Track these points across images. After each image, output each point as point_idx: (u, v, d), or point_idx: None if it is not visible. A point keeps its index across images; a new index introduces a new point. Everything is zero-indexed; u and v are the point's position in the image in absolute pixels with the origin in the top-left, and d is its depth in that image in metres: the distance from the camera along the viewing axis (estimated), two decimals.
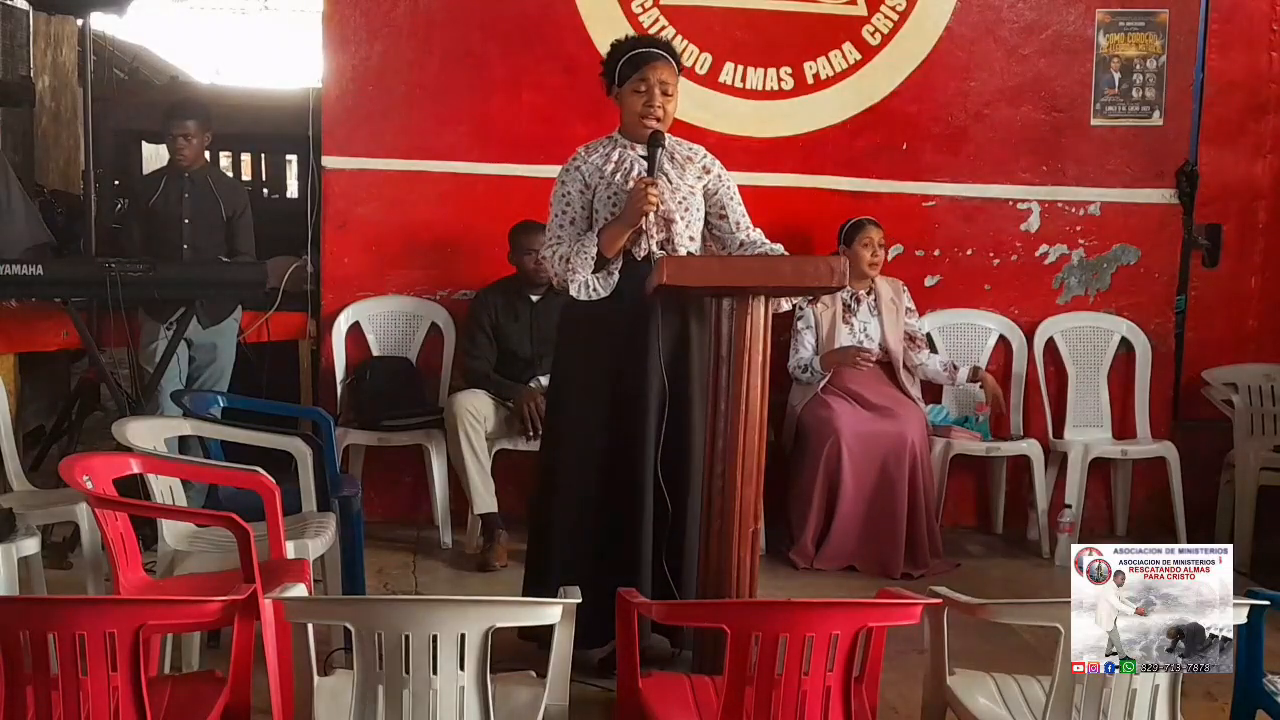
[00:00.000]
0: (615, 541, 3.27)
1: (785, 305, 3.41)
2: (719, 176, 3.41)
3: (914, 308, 4.80)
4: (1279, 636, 2.57)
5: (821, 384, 4.60)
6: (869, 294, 4.73)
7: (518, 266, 4.63)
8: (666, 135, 3.33)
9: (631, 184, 3.26)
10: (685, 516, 3.26)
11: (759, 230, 3.43)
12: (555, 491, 3.38)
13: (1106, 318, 5.06)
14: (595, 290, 3.27)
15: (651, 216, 3.24)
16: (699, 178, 3.38)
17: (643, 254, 3.27)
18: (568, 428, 3.40)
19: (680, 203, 3.32)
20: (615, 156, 3.35)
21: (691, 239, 3.35)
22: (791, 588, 4.20)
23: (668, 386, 3.23)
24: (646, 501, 3.24)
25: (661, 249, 3.28)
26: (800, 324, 4.68)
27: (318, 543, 3.27)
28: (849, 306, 4.70)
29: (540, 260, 4.52)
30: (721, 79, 4.91)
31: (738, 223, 3.40)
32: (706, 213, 3.41)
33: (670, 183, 3.31)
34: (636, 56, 3.31)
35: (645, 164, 3.29)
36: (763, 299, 3.05)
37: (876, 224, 4.70)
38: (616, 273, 3.28)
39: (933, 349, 4.92)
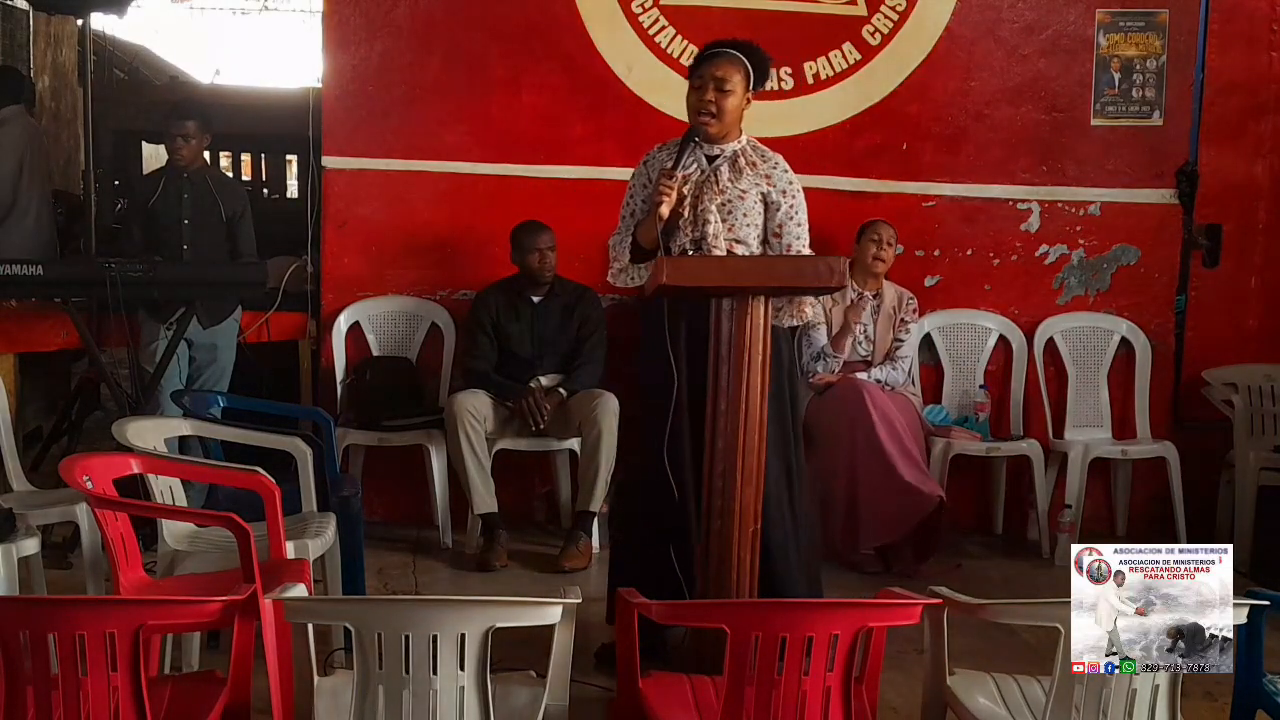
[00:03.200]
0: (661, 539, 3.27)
1: (809, 313, 3.43)
2: (784, 192, 3.39)
3: (909, 320, 4.76)
4: (1279, 636, 2.57)
5: (837, 368, 4.61)
6: (875, 296, 4.74)
7: (520, 266, 4.63)
8: (744, 138, 3.42)
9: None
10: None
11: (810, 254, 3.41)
12: (625, 493, 3.57)
13: (1106, 318, 5.06)
14: (632, 278, 3.40)
15: (685, 213, 3.29)
16: (756, 185, 3.37)
17: (678, 249, 3.32)
18: (637, 428, 3.51)
19: (722, 205, 3.33)
20: (680, 153, 3.38)
21: (738, 242, 3.34)
22: None
23: (684, 383, 3.21)
24: (686, 502, 3.23)
25: (696, 247, 3.31)
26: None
27: (318, 543, 3.27)
28: (856, 306, 4.71)
29: (538, 259, 4.56)
30: None
31: (789, 245, 3.38)
32: (766, 223, 3.40)
33: (718, 183, 3.34)
34: (702, 55, 3.37)
35: (702, 163, 3.35)
36: (763, 299, 3.05)
37: (888, 224, 4.71)
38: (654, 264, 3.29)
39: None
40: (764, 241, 3.41)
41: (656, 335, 3.22)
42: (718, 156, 3.39)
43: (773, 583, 3.25)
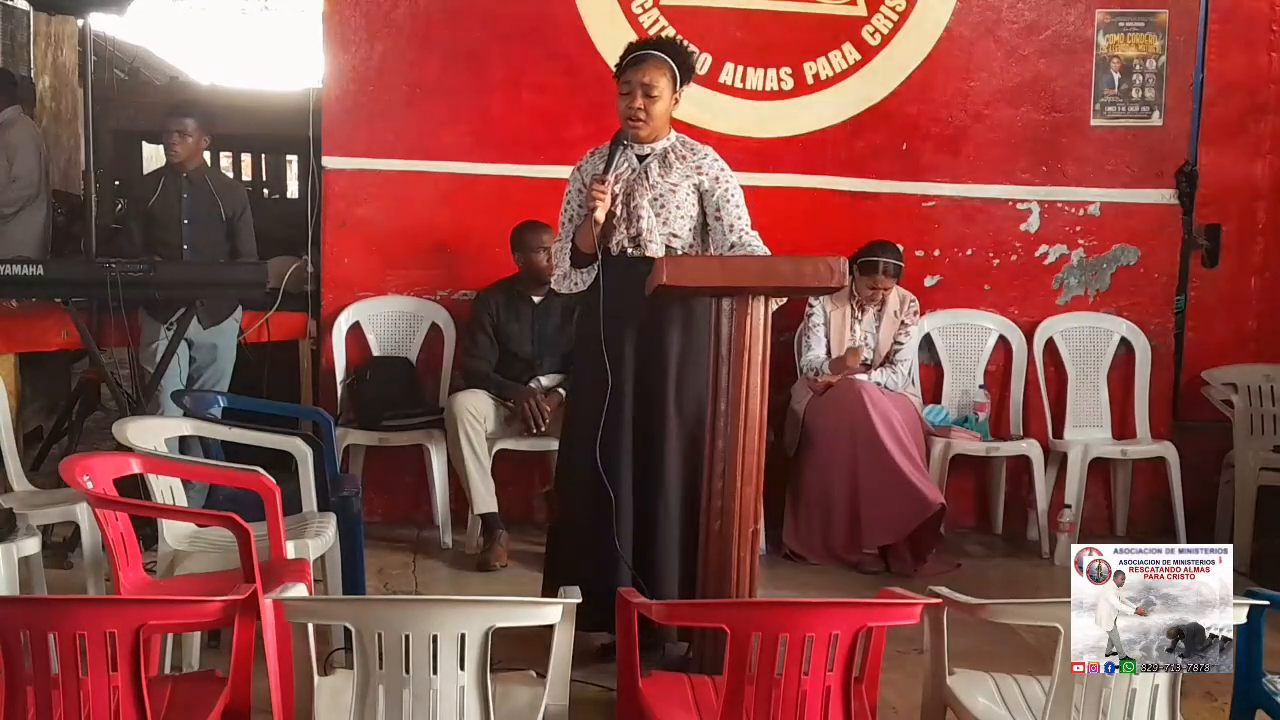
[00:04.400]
0: (605, 534, 3.31)
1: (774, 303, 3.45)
2: (715, 179, 3.43)
3: (909, 323, 4.74)
4: (1279, 636, 2.57)
5: (824, 380, 4.61)
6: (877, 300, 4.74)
7: (522, 265, 4.63)
8: (671, 135, 3.46)
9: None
10: (657, 512, 3.34)
11: (756, 234, 3.43)
12: (563, 489, 3.55)
13: (1106, 318, 5.06)
14: (575, 284, 3.46)
15: (619, 211, 3.36)
16: (686, 177, 3.41)
17: (616, 248, 3.38)
18: (569, 425, 3.55)
19: (654, 200, 3.38)
20: (611, 157, 3.43)
21: (674, 235, 3.40)
22: (791, 587, 4.19)
23: (635, 378, 3.32)
24: (623, 495, 3.31)
25: (634, 244, 3.37)
26: (812, 320, 4.70)
27: (318, 543, 3.27)
28: (856, 310, 4.71)
29: (540, 258, 4.57)
30: (721, 79, 4.91)
31: (731, 225, 3.41)
32: (703, 212, 3.44)
33: (648, 179, 3.40)
34: (627, 60, 3.41)
35: (633, 162, 3.42)
36: (762, 299, 3.05)
37: (891, 261, 4.61)
38: (596, 267, 3.38)
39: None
40: (700, 231, 3.46)
41: (592, 333, 3.31)
42: (648, 155, 3.44)
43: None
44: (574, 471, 3.43)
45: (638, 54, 3.40)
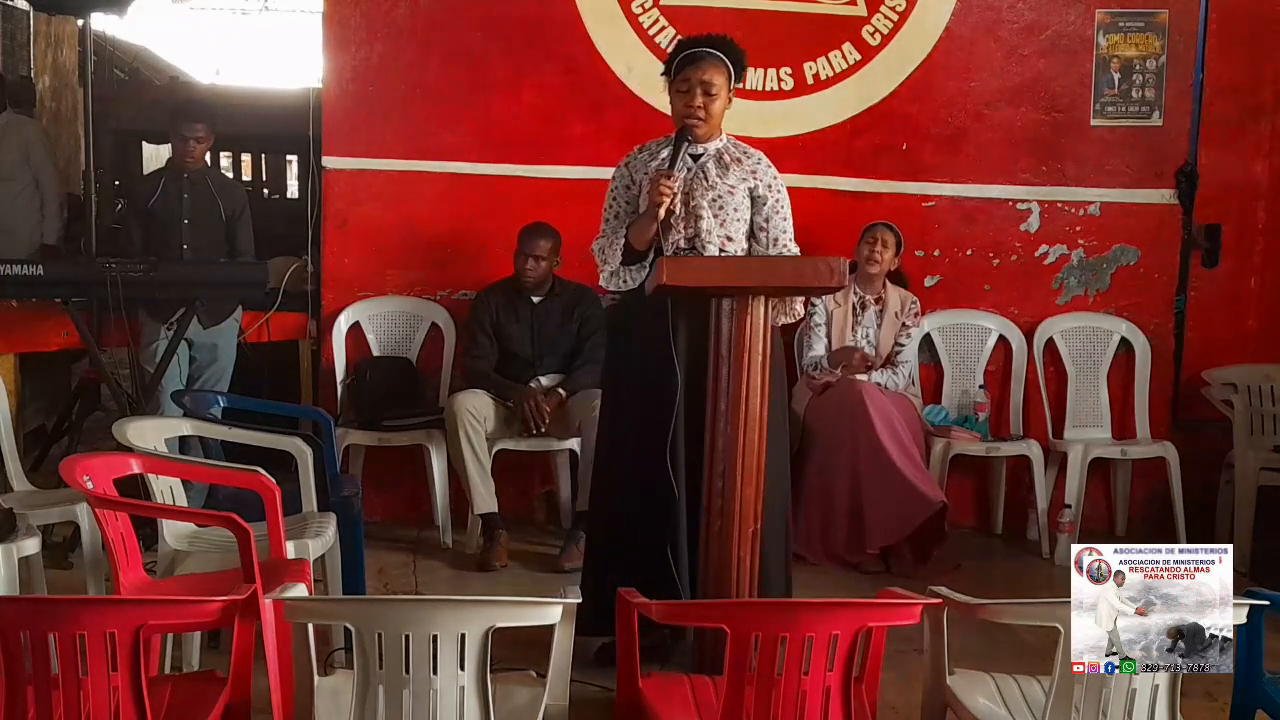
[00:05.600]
0: (652, 539, 3.23)
1: (800, 309, 3.42)
2: (769, 186, 3.40)
3: (910, 325, 4.75)
4: (1279, 636, 2.57)
5: (824, 378, 4.61)
6: (877, 302, 4.74)
7: (516, 268, 4.62)
8: (724, 136, 3.42)
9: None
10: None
11: (797, 249, 3.42)
12: (602, 491, 3.48)
13: (1106, 318, 5.06)
14: (625, 281, 3.37)
15: (678, 210, 3.29)
16: (743, 180, 3.38)
17: (670, 249, 3.30)
18: (608, 427, 3.46)
19: (714, 201, 3.33)
20: (662, 154, 3.39)
21: (729, 239, 3.34)
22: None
23: (682, 382, 3.19)
24: (671, 499, 3.21)
25: (690, 245, 3.30)
26: (814, 319, 4.70)
27: (318, 543, 3.27)
28: (857, 309, 4.71)
29: (528, 264, 4.55)
30: None
31: (775, 238, 3.39)
32: (751, 218, 3.41)
33: (707, 180, 3.34)
34: (685, 57, 3.34)
35: (687, 159, 3.35)
36: (763, 299, 3.05)
37: (890, 226, 4.70)
38: (648, 265, 3.30)
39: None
40: (749, 237, 3.42)
41: (656, 333, 3.21)
42: (702, 155, 3.40)
43: (765, 584, 3.26)
44: (625, 472, 3.32)
45: (693, 52, 3.34)
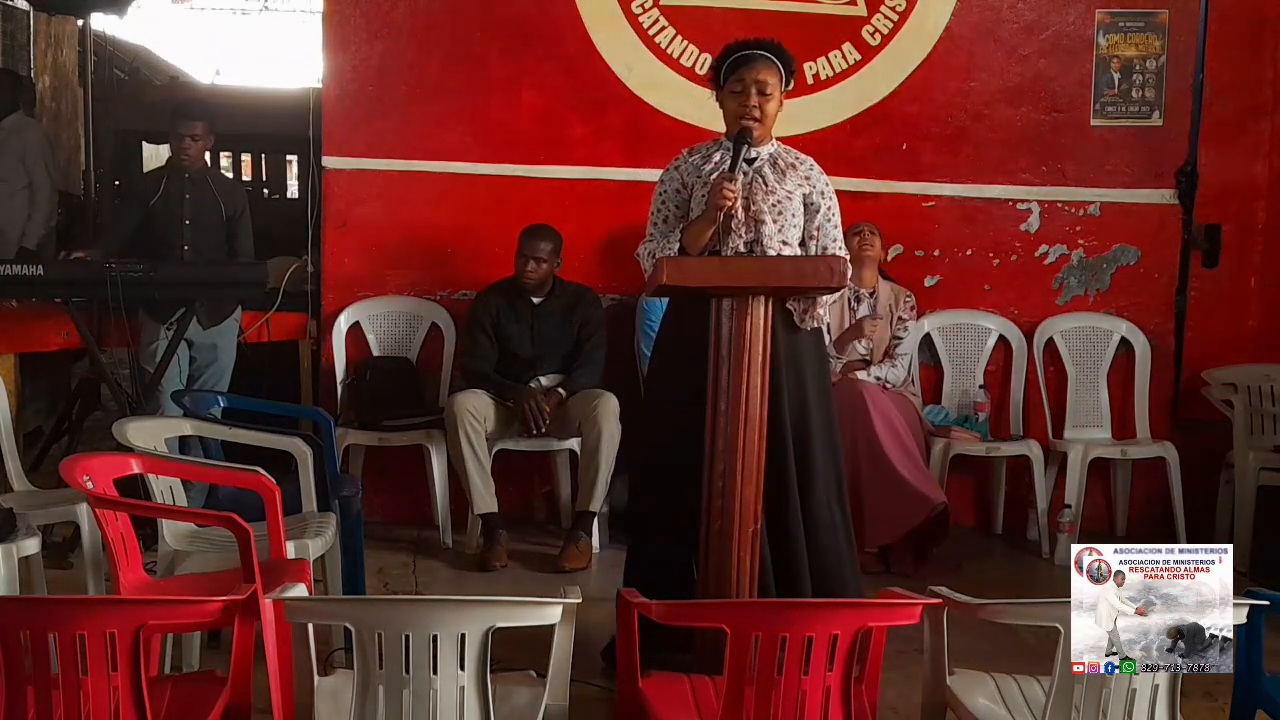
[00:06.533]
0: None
1: (823, 315, 3.37)
2: (822, 194, 3.38)
3: (907, 319, 4.74)
4: (1279, 636, 2.57)
5: (837, 368, 4.60)
6: (871, 295, 4.74)
7: (516, 268, 4.62)
8: (774, 141, 3.39)
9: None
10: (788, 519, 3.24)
11: (847, 257, 3.38)
12: (649, 495, 3.40)
13: (1106, 318, 5.06)
14: None
15: (740, 215, 3.25)
16: (799, 186, 3.36)
17: (729, 253, 3.27)
18: (657, 431, 3.38)
19: (774, 206, 3.30)
20: (715, 157, 3.36)
21: (785, 244, 3.31)
22: None
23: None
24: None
25: (749, 250, 3.28)
26: None
27: (318, 543, 3.27)
28: (852, 303, 4.71)
29: (529, 266, 4.54)
30: None
31: (825, 247, 3.36)
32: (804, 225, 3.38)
33: (766, 184, 3.31)
34: (738, 59, 3.31)
35: (741, 165, 3.29)
36: (763, 299, 3.05)
37: (866, 223, 4.72)
38: None
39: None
40: (801, 243, 3.39)
41: (698, 334, 3.10)
42: (756, 159, 3.36)
43: (827, 582, 3.27)
44: (675, 477, 3.23)
45: (745, 53, 3.30)
